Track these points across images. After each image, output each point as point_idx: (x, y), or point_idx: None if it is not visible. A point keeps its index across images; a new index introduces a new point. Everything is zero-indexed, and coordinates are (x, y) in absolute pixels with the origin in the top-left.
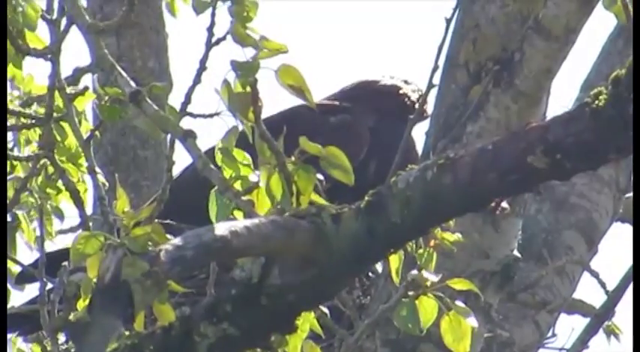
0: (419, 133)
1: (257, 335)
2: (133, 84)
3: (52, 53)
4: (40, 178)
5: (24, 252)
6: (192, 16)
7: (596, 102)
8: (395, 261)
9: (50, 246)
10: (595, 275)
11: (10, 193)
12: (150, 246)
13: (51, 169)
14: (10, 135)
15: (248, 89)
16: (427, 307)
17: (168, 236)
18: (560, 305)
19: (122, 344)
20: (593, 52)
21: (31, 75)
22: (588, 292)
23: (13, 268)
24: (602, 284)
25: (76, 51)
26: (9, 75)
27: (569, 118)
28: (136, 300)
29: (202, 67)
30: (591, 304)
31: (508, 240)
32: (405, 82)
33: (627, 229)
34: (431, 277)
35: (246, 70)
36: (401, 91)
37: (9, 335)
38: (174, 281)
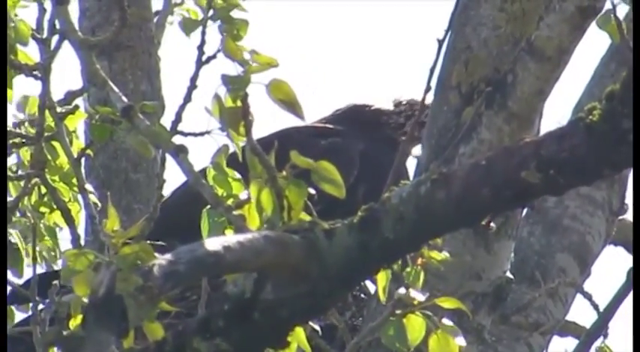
0: (410, 155)
1: (250, 351)
2: (125, 99)
3: (42, 71)
4: (33, 197)
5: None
6: (185, 40)
7: (590, 117)
8: (382, 279)
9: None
10: (588, 297)
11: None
12: (138, 264)
13: (44, 188)
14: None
15: (239, 103)
16: (415, 325)
17: (157, 255)
18: (552, 328)
19: None
20: (585, 74)
21: (34, 96)
22: (581, 314)
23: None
24: (595, 306)
25: (68, 72)
26: None
27: (562, 133)
28: (130, 315)
29: (193, 85)
30: (584, 326)
31: (500, 261)
32: (399, 101)
33: (620, 252)
34: (418, 296)
35: (236, 84)
36: (390, 117)
37: None
38: (166, 300)
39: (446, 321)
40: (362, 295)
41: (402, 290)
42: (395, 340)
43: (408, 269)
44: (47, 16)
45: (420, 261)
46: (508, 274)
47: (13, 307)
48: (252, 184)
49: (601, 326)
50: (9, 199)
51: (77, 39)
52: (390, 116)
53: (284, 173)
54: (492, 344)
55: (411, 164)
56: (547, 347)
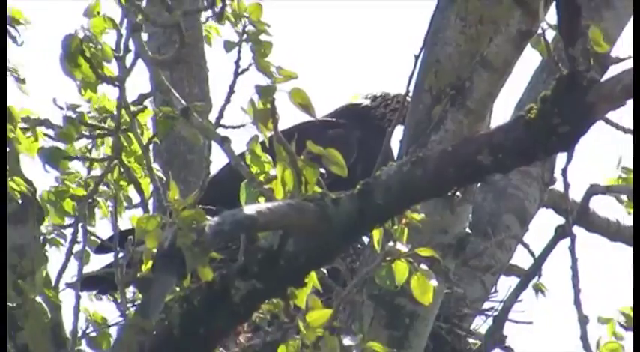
0: (394, 141)
1: (277, 289)
2: (183, 102)
3: (120, 81)
4: (115, 174)
5: (102, 229)
6: (225, 55)
7: (529, 114)
8: (376, 234)
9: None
10: (526, 246)
11: (91, 186)
12: (194, 224)
13: (122, 168)
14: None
15: (268, 106)
16: (400, 269)
17: (208, 217)
18: (500, 269)
19: (177, 296)
20: (524, 81)
21: (105, 97)
22: (521, 259)
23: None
24: (532, 253)
25: (140, 79)
26: (86, 97)
27: (508, 127)
28: (187, 263)
29: (231, 91)
30: (524, 268)
31: (462, 220)
32: (374, 95)
33: (550, 213)
34: (403, 247)
35: (266, 92)
36: (376, 111)
37: (88, 293)
38: (214, 251)
39: (423, 266)
40: (359, 246)
41: (391, 243)
42: (386, 279)
43: (396, 227)
44: (123, 40)
45: (404, 220)
46: (467, 230)
47: (92, 252)
48: (278, 165)
49: (536, 269)
50: (96, 173)
51: (148, 57)
52: (375, 109)
53: (302, 157)
54: (456, 282)
55: (395, 147)
56: (496, 283)
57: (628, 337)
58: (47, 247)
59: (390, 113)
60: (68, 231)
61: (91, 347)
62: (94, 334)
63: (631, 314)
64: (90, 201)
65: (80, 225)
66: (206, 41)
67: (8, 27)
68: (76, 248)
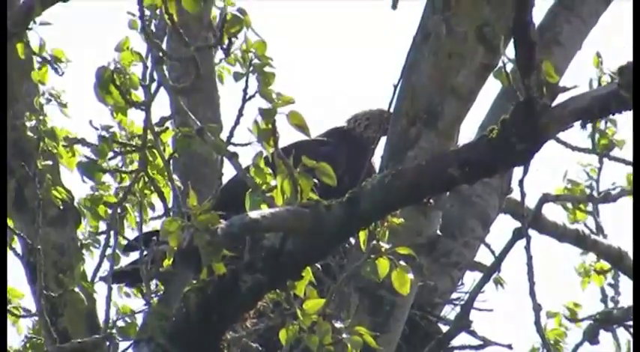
0: (376, 157)
1: (278, 281)
2: (198, 123)
3: (146, 106)
4: (140, 184)
5: (129, 233)
6: (234, 84)
7: (491, 134)
8: (362, 235)
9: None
10: (487, 246)
11: (121, 195)
12: (209, 226)
13: (147, 178)
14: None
15: (270, 127)
16: (383, 265)
17: (221, 220)
18: (466, 266)
19: (193, 287)
20: (486, 105)
21: (132, 120)
22: (484, 257)
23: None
24: (492, 252)
25: (161, 105)
26: (117, 119)
27: (473, 144)
28: (203, 260)
29: (240, 114)
30: (485, 264)
31: (434, 224)
32: (355, 116)
33: (508, 218)
34: (385, 246)
35: (268, 114)
36: (356, 131)
37: (118, 285)
38: (226, 248)
39: (402, 263)
40: (346, 245)
41: (374, 242)
42: (370, 274)
43: (379, 229)
44: (148, 71)
45: (385, 223)
46: (438, 232)
47: (120, 254)
48: (278, 177)
49: (496, 265)
50: (125, 184)
51: (169, 86)
52: (355, 130)
53: (298, 170)
54: (428, 276)
55: (377, 162)
56: (462, 278)
57: (571, 327)
58: (83, 251)
59: (365, 131)
60: (101, 238)
61: (121, 336)
62: (122, 323)
63: (575, 308)
64: (119, 211)
65: (112, 230)
66: (219, 79)
67: (52, 64)
68: (107, 252)
